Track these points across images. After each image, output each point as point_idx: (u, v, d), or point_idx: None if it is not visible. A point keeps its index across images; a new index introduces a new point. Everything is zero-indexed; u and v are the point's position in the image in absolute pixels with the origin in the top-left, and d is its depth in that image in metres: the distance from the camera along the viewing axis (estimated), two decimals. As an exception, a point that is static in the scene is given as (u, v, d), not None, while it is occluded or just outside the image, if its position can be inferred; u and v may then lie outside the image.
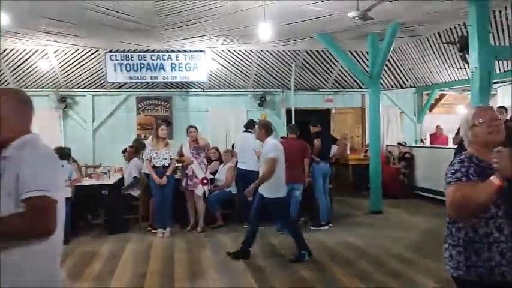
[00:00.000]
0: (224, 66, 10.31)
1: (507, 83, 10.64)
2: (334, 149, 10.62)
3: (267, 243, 6.30)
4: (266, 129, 5.65)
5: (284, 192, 5.62)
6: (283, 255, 5.72)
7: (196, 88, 10.77)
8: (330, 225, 7.16)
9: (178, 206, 7.26)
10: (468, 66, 5.83)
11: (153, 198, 7.03)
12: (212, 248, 6.16)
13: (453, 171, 2.20)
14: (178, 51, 9.87)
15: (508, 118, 7.04)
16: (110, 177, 7.86)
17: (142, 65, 9.81)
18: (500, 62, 8.54)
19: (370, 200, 8.43)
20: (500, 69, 8.88)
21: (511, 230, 2.08)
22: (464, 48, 6.32)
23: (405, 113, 11.64)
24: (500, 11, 7.14)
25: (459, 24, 7.90)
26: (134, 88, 10.56)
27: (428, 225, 7.14)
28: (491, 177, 1.99)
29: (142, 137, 9.63)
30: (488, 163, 2.12)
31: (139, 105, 10.65)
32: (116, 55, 9.73)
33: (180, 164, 7.28)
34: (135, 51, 9.77)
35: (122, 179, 7.78)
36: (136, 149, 7.91)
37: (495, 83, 10.37)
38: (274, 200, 5.45)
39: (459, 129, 2.86)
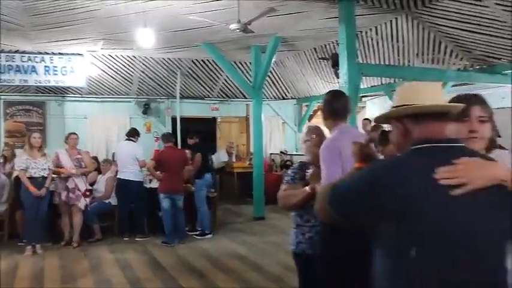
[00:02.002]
0: (105, 72, 9.84)
1: (374, 97, 11.81)
2: (220, 156, 10.82)
3: (149, 256, 6.12)
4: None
5: None
6: (165, 267, 5.60)
7: (73, 93, 10.10)
8: (212, 234, 7.21)
9: (51, 220, 6.71)
10: (339, 80, 6.31)
11: (23, 211, 6.42)
12: (90, 264, 5.79)
13: (287, 174, 2.99)
14: (53, 53, 9.18)
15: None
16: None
17: (10, 67, 8.91)
18: (368, 77, 9.44)
19: (254, 206, 8.67)
20: (367, 84, 9.81)
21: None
22: (336, 64, 6.84)
23: (287, 123, 12.22)
24: (366, 32, 7.90)
25: (332, 42, 8.57)
26: (1, 92, 9.56)
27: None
28: (306, 187, 2.71)
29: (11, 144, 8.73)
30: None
31: (7, 111, 9.66)
32: (-22, 55, 8.72)
33: (56, 176, 6.74)
34: (1, 51, 8.85)
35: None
36: (5, 159, 7.16)
37: (364, 96, 11.47)
38: None
39: None
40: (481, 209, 1.31)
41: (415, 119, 1.43)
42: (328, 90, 3.15)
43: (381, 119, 1.59)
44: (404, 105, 1.45)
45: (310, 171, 2.81)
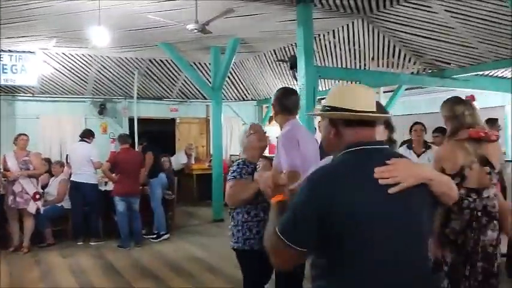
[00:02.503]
0: (59, 70, 9.50)
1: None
2: (179, 158, 10.68)
3: (104, 260, 5.96)
4: None
5: None
6: (120, 272, 5.46)
7: (25, 92, 9.70)
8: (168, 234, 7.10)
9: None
10: (297, 82, 6.38)
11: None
12: (41, 270, 5.57)
13: (232, 171, 3.01)
14: (3, 51, 8.75)
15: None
16: None
17: (-46, 64, 8.45)
18: (326, 80, 9.60)
19: (212, 209, 8.62)
20: (325, 87, 9.97)
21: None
22: (294, 66, 6.91)
23: (247, 124, 12.19)
24: (323, 35, 8.03)
25: (291, 44, 8.65)
26: None
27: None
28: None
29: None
30: (255, 165, 2.91)
31: (-47, 110, 9.16)
32: None
33: (4, 179, 6.45)
34: None
35: None
36: None
37: (322, 98, 11.61)
38: None
39: None
40: (413, 205, 1.45)
41: (349, 123, 1.54)
42: (279, 88, 3.26)
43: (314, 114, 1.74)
44: (340, 107, 1.53)
45: (260, 163, 2.84)
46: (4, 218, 6.47)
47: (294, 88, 3.37)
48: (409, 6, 6.21)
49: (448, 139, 2.84)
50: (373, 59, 8.04)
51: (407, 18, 6.55)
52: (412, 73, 8.02)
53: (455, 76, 7.65)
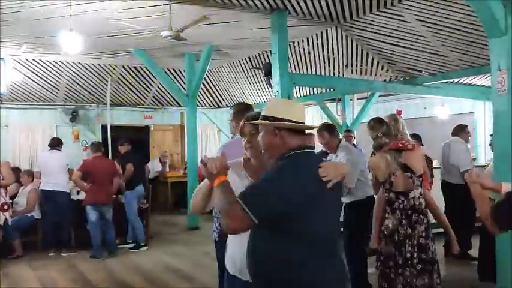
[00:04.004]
0: (28, 77, 9.26)
1: (307, 106, 12.12)
2: (154, 166, 10.55)
3: (76, 271, 5.80)
4: None
5: None
6: (93, 284, 5.33)
7: (-7, 100, 9.42)
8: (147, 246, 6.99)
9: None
10: (272, 89, 6.41)
11: None
12: (9, 283, 5.38)
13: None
14: (-31, 56, 8.51)
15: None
16: None
17: None
18: (301, 87, 9.68)
19: (188, 216, 8.53)
20: (300, 94, 10.06)
21: None
22: (268, 73, 6.94)
23: (222, 131, 12.18)
24: (298, 43, 8.10)
25: (266, 51, 8.68)
26: None
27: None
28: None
29: None
30: None
31: None
32: None
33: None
34: None
35: None
36: None
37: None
38: None
39: None
40: (336, 194, 1.97)
41: (291, 131, 1.93)
42: (236, 103, 3.61)
43: (254, 122, 2.04)
44: (284, 118, 1.91)
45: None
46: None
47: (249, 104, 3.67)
48: (381, 15, 6.33)
49: (375, 152, 3.49)
50: (346, 66, 8.16)
51: (380, 26, 6.68)
52: (385, 80, 8.17)
53: (426, 83, 7.83)
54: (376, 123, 3.51)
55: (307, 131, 2.26)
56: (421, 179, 3.36)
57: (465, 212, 5.37)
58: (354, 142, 6.92)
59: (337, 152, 4.29)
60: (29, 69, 9.10)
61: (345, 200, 4.21)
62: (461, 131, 5.93)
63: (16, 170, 7.24)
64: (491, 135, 5.13)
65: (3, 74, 8.75)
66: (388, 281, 3.27)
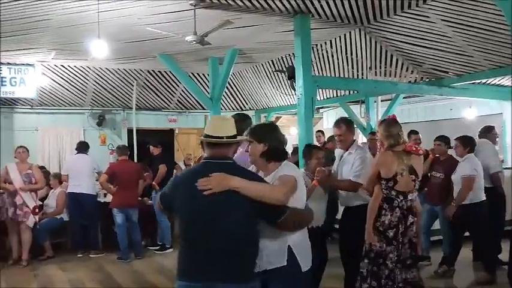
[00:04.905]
0: (57, 82, 9.52)
1: (330, 108, 12.06)
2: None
3: (103, 273, 5.93)
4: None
5: None
6: (120, 285, 5.43)
7: (23, 105, 9.72)
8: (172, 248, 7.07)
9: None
10: (295, 92, 6.41)
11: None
12: (40, 283, 5.54)
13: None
14: (2, 63, 8.78)
15: (325, 140, 7.92)
16: None
17: (-46, 78, 8.47)
18: (324, 90, 9.64)
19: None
20: (323, 96, 10.02)
21: None
22: (292, 76, 6.93)
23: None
24: (321, 45, 8.08)
25: (289, 55, 8.69)
26: None
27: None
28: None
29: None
30: None
31: (-49, 123, 9.16)
32: None
33: (2, 191, 6.44)
34: None
35: None
36: None
37: (320, 108, 11.70)
38: None
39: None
40: (217, 203, 2.18)
41: (206, 143, 2.35)
42: (236, 113, 3.79)
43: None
44: (205, 133, 2.34)
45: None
46: (4, 231, 6.44)
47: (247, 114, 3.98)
48: (406, 16, 6.26)
49: (385, 150, 3.62)
50: (370, 68, 8.09)
51: (405, 28, 6.60)
52: (410, 82, 8.06)
53: (453, 84, 7.69)
54: (394, 122, 3.75)
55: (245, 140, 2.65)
56: (419, 184, 3.65)
57: (494, 215, 5.25)
58: (378, 144, 6.84)
59: (349, 149, 4.16)
60: (57, 75, 9.36)
61: (350, 203, 4.11)
62: (488, 132, 5.81)
63: (45, 173, 7.46)
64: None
65: (34, 79, 9.04)
66: (376, 279, 3.49)
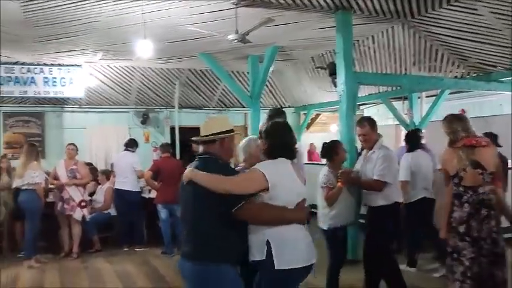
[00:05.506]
0: (103, 82, 9.88)
1: (371, 105, 11.85)
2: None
3: (148, 266, 6.10)
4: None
5: None
6: (165, 279, 5.58)
7: (72, 104, 10.14)
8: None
9: (51, 231, 6.73)
10: (337, 89, 6.35)
11: (22, 222, 6.46)
12: (89, 275, 5.78)
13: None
14: (52, 64, 9.21)
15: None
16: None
17: (9, 79, 8.93)
18: (365, 86, 9.49)
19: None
20: (365, 93, 9.86)
21: None
22: (333, 73, 6.87)
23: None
24: (363, 41, 7.96)
25: (329, 51, 8.62)
26: (0, 103, 9.57)
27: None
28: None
29: (10, 156, 8.71)
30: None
31: (7, 122, 9.67)
32: (-23, 67, 8.78)
33: (53, 186, 6.78)
34: (1, 63, 8.87)
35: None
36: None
37: (362, 104, 11.51)
38: None
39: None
40: (189, 191, 2.57)
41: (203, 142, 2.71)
42: (270, 109, 3.99)
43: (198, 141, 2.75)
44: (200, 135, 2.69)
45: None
46: (57, 225, 6.76)
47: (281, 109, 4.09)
48: (452, 10, 6.07)
49: (448, 147, 3.59)
50: (414, 63, 7.89)
51: (451, 21, 6.40)
52: (456, 77, 7.81)
53: (502, 79, 7.38)
54: (455, 118, 3.64)
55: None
56: (491, 176, 3.42)
57: None
58: (423, 142, 6.66)
59: (373, 148, 4.17)
60: (104, 75, 9.70)
61: (374, 203, 4.12)
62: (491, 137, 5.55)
63: (93, 170, 7.77)
64: None
65: (82, 79, 9.42)
66: (452, 272, 3.44)
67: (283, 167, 2.58)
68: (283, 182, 2.51)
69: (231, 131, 2.69)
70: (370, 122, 4.29)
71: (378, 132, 4.47)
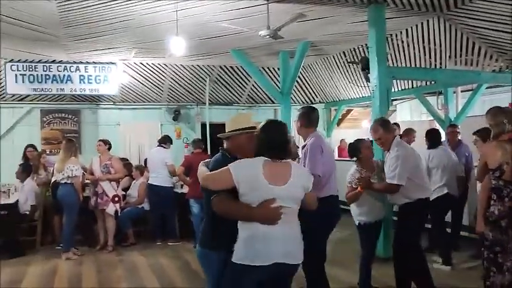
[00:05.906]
0: (137, 79, 10.07)
1: (405, 100, 11.63)
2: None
3: (181, 260, 6.20)
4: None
5: None
6: (198, 273, 5.65)
7: (107, 101, 10.38)
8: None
9: (87, 224, 6.93)
10: (369, 84, 6.26)
11: (59, 216, 6.69)
12: (124, 268, 5.92)
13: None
14: (88, 62, 9.47)
15: (400, 133, 7.63)
16: (9, 197, 7.24)
17: (47, 76, 9.25)
18: (398, 81, 9.32)
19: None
20: (398, 88, 9.68)
21: None
22: (365, 67, 6.78)
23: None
24: (396, 35, 7.81)
25: (362, 45, 8.50)
26: (38, 100, 9.90)
27: (341, 235, 7.35)
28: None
29: (48, 152, 9.02)
30: None
31: (44, 119, 10.00)
32: (17, 65, 9.09)
33: (88, 181, 6.97)
34: (39, 61, 9.20)
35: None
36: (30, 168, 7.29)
37: (394, 100, 11.31)
38: None
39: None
40: None
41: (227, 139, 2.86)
42: (302, 106, 4.06)
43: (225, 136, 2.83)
44: (236, 130, 2.77)
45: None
46: (92, 219, 6.95)
47: (313, 106, 4.13)
48: (490, 1, 5.87)
49: (491, 140, 3.57)
50: (450, 57, 7.69)
51: (489, 13, 6.20)
52: (494, 71, 7.56)
53: (543, 73, 7.11)
54: (500, 110, 3.60)
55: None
56: None
57: None
58: (459, 138, 6.48)
59: (390, 149, 4.15)
60: (137, 72, 9.89)
61: (398, 201, 4.17)
62: None
63: (128, 165, 7.93)
64: None
65: (116, 77, 9.63)
66: (497, 266, 3.36)
67: (253, 166, 2.52)
68: (247, 180, 2.48)
69: (244, 129, 2.76)
70: (383, 124, 4.29)
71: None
